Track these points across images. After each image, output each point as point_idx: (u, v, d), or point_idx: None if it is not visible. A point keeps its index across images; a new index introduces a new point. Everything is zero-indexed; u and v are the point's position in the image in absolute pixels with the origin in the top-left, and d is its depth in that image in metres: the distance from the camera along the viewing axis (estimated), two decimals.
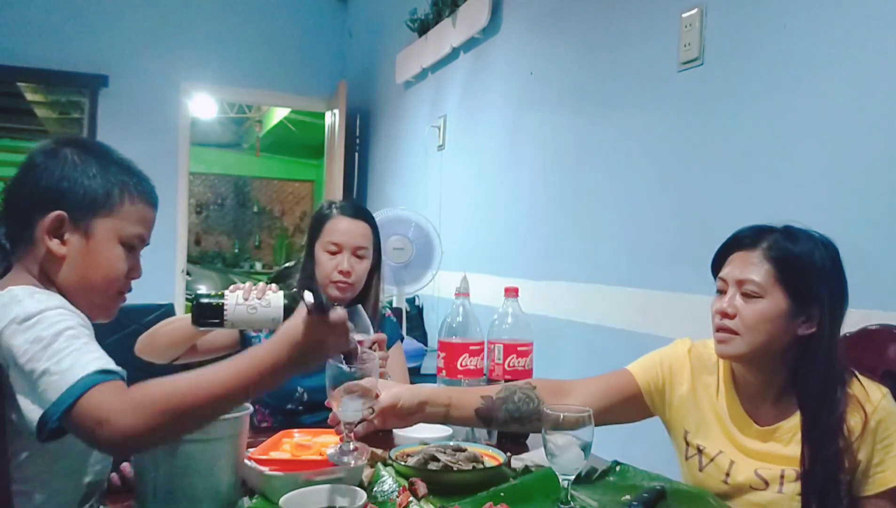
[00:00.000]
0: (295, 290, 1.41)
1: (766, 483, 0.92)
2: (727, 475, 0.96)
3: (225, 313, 0.94)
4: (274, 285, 1.02)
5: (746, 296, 0.92)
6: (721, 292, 0.96)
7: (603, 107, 1.92)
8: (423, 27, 3.07)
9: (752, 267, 0.91)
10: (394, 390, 0.95)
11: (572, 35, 2.08)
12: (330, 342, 0.74)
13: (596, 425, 0.87)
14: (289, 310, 0.95)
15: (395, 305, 2.69)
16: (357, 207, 1.49)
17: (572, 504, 0.90)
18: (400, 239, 2.46)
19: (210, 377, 0.69)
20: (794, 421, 0.93)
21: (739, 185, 1.45)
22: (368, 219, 1.45)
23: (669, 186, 1.65)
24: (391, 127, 3.69)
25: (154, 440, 0.68)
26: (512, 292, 1.29)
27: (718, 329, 0.94)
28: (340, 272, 1.37)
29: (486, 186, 2.57)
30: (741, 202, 1.43)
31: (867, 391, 0.91)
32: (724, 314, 0.93)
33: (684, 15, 1.58)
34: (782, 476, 0.91)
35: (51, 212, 0.80)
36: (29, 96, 4.22)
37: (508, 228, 2.39)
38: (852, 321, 1.08)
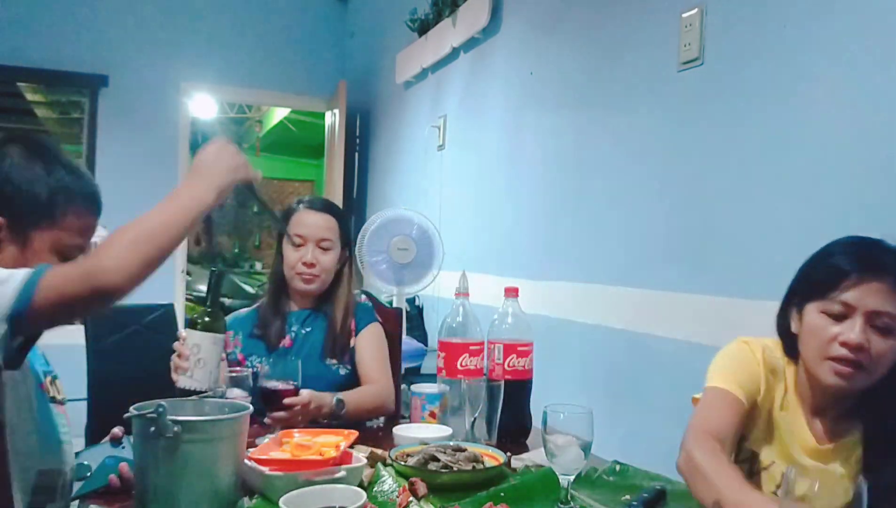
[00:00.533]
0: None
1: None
2: (775, 484, 0.92)
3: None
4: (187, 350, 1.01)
5: (878, 329, 0.85)
6: (835, 316, 0.87)
7: (603, 107, 1.92)
8: (423, 27, 3.07)
9: (887, 298, 0.84)
10: None
11: (572, 35, 2.08)
12: (224, 154, 0.77)
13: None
14: (203, 324, 0.99)
15: (395, 305, 2.69)
16: (324, 201, 1.52)
17: (572, 504, 0.90)
18: (403, 239, 2.46)
19: (165, 207, 0.73)
20: (852, 439, 0.90)
21: (739, 184, 1.44)
22: (335, 213, 1.48)
23: (669, 186, 1.65)
24: (391, 127, 3.69)
25: (142, 268, 0.68)
26: (512, 292, 1.29)
27: (842, 360, 0.86)
28: (304, 264, 1.40)
29: (486, 186, 2.57)
30: (741, 202, 1.43)
31: None
32: (860, 348, 0.85)
33: (684, 15, 1.58)
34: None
35: None
36: (29, 96, 4.22)
37: (508, 228, 2.39)
38: None
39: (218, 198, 0.75)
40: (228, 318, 1.46)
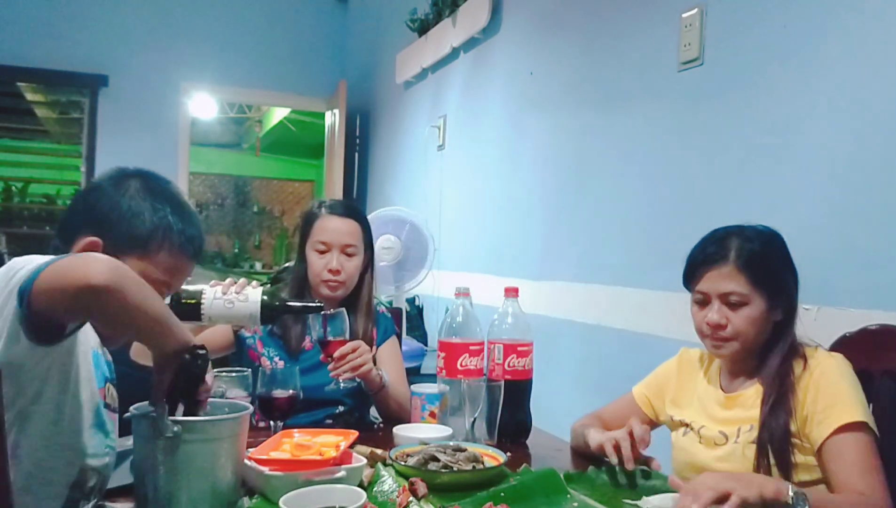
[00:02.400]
0: (275, 286, 1.39)
1: (726, 438, 1.03)
2: (700, 436, 1.07)
3: (202, 306, 0.94)
4: (255, 282, 1.02)
5: (732, 305, 1.02)
6: (701, 303, 1.05)
7: (603, 107, 1.92)
8: (423, 27, 3.07)
9: (730, 279, 1.01)
10: None
11: (572, 35, 2.08)
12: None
13: None
14: (266, 307, 0.96)
15: (394, 305, 2.69)
16: (347, 205, 1.49)
17: (574, 504, 0.90)
18: (387, 238, 2.46)
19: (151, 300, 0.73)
20: (755, 388, 1.04)
21: (739, 184, 1.45)
22: (358, 217, 1.45)
23: (669, 186, 1.65)
24: (391, 127, 3.69)
25: (121, 295, 0.69)
26: (512, 292, 1.29)
27: (713, 338, 1.04)
28: (330, 271, 1.38)
29: (486, 186, 2.57)
30: (741, 202, 1.43)
31: (817, 352, 1.01)
32: (719, 326, 1.02)
33: (684, 15, 1.58)
34: (738, 431, 1.02)
35: (91, 235, 0.83)
36: (29, 96, 4.22)
37: (508, 228, 2.39)
38: (851, 322, 1.09)
39: (172, 353, 0.74)
40: None
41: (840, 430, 0.93)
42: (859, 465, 0.91)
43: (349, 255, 1.40)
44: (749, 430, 1.01)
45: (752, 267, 1.00)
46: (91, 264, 0.69)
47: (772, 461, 0.97)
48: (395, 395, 1.37)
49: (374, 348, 1.44)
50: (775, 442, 0.97)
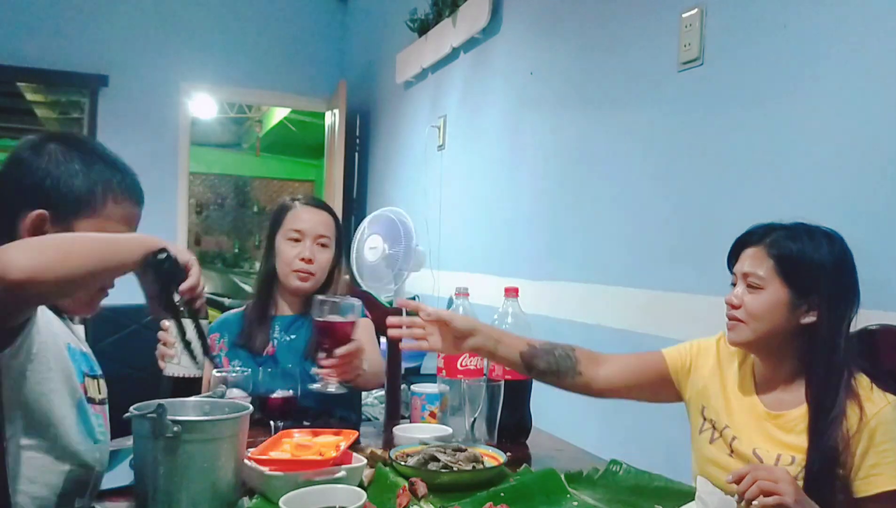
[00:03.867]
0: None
1: (761, 462, 0.97)
2: (731, 448, 1.01)
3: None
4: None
5: (751, 288, 0.99)
6: (734, 285, 1.02)
7: (603, 107, 1.92)
8: (423, 27, 3.07)
9: (756, 261, 0.99)
10: (449, 312, 1.08)
11: (572, 35, 2.08)
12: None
13: (623, 398, 1.05)
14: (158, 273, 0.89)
15: (394, 305, 2.69)
16: (320, 200, 1.50)
17: (574, 503, 0.90)
18: (374, 238, 2.47)
19: (93, 236, 0.74)
20: (800, 412, 0.97)
21: (739, 184, 1.45)
22: (331, 211, 1.46)
23: (669, 186, 1.65)
24: (391, 127, 3.69)
25: (49, 276, 0.67)
26: (512, 292, 1.29)
27: (728, 318, 1.01)
28: (302, 260, 1.36)
29: (487, 186, 2.57)
30: (741, 202, 1.43)
31: (872, 393, 0.94)
32: (731, 305, 1.00)
33: (684, 15, 1.58)
34: (778, 459, 0.96)
35: (33, 210, 0.79)
36: (29, 96, 4.22)
37: (508, 227, 2.39)
38: (852, 322, 1.09)
39: (140, 258, 0.75)
40: (216, 320, 1.43)
41: (883, 496, 0.89)
42: None
43: (322, 246, 1.39)
44: (791, 464, 0.93)
45: (781, 258, 0.96)
46: (2, 261, 0.64)
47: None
48: (372, 372, 1.33)
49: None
50: (822, 488, 0.89)
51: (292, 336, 1.40)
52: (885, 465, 0.90)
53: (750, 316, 0.98)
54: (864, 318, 1.08)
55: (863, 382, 0.95)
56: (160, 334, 1.08)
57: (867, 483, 0.90)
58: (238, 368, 1.25)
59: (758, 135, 1.41)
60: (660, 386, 1.11)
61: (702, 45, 1.53)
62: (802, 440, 0.94)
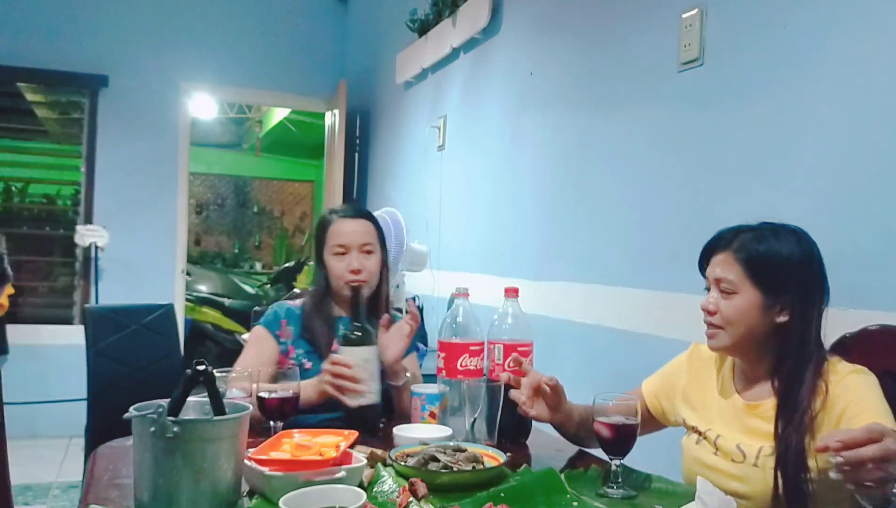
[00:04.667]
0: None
1: (745, 456, 0.99)
2: (716, 447, 1.03)
3: None
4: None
5: (724, 293, 1.01)
6: (707, 289, 1.05)
7: (603, 107, 1.92)
8: (423, 27, 3.07)
9: (726, 267, 1.01)
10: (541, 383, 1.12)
11: (572, 35, 2.08)
12: None
13: None
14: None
15: (394, 305, 2.69)
16: (357, 207, 1.52)
17: (574, 503, 0.90)
18: None
19: None
20: (770, 402, 1.00)
21: (740, 185, 1.45)
22: (369, 217, 1.49)
23: (669, 186, 1.65)
24: (391, 127, 3.69)
25: None
26: (512, 293, 1.29)
27: (706, 325, 1.04)
28: (352, 272, 1.39)
29: (486, 187, 2.57)
30: (741, 202, 1.43)
31: (838, 367, 0.97)
32: (707, 311, 1.03)
33: (684, 15, 1.58)
34: (759, 451, 0.98)
35: None
36: (29, 97, 4.22)
37: (508, 228, 2.39)
38: (851, 322, 1.09)
39: None
40: (280, 307, 1.44)
41: None
42: None
43: (367, 253, 1.42)
44: (771, 454, 0.96)
45: (749, 260, 0.99)
46: None
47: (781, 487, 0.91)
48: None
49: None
50: (790, 464, 0.91)
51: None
52: (867, 412, 0.89)
53: (726, 322, 1.00)
54: (864, 318, 1.09)
55: (834, 366, 0.97)
56: (335, 367, 1.19)
57: (853, 422, 0.89)
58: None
59: (758, 135, 1.41)
60: (645, 421, 1.11)
61: (702, 45, 1.53)
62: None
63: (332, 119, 4.13)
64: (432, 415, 1.25)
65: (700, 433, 1.06)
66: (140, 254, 3.91)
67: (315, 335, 1.41)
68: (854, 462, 0.70)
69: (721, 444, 1.02)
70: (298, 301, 1.49)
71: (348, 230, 1.42)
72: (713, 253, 1.04)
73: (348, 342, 1.23)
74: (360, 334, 1.21)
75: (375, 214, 2.23)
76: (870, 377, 0.95)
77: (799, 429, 0.93)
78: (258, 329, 1.43)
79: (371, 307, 1.43)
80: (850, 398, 0.92)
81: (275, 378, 1.21)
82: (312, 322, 1.42)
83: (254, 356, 1.38)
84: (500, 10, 2.50)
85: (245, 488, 0.89)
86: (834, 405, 0.93)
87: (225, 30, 4.19)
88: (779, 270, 0.98)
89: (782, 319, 0.99)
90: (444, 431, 1.16)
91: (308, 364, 1.39)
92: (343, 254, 1.41)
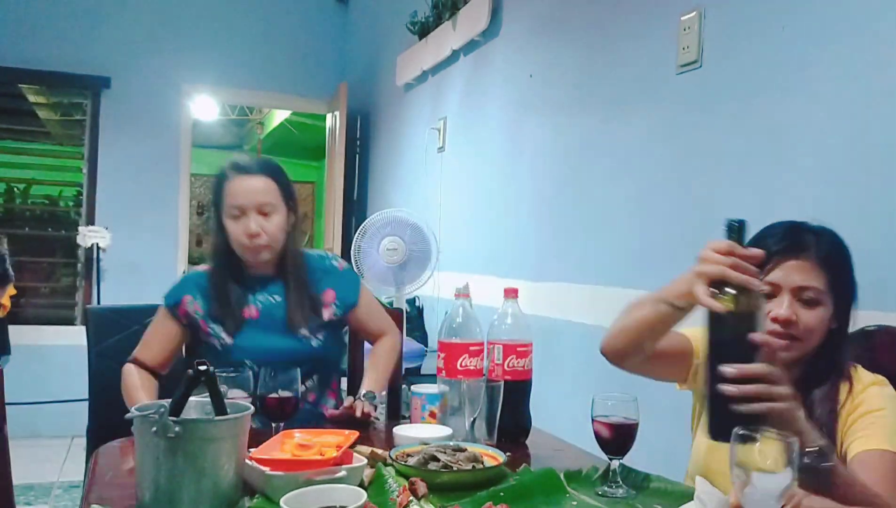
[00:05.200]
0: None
1: None
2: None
3: None
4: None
5: (804, 302, 0.93)
6: (766, 295, 0.94)
7: (602, 109, 1.92)
8: (423, 30, 3.08)
9: (810, 274, 0.93)
10: None
11: (572, 38, 2.08)
12: None
13: (633, 372, 0.96)
14: None
15: (395, 305, 2.70)
16: (257, 161, 1.37)
17: (573, 503, 0.91)
18: (393, 240, 2.47)
19: None
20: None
21: (738, 186, 1.45)
22: (271, 172, 1.34)
23: (668, 187, 1.65)
24: (391, 129, 3.69)
25: None
26: (512, 293, 1.29)
27: (778, 335, 0.93)
28: (248, 236, 1.29)
29: (486, 188, 2.57)
30: (740, 204, 1.43)
31: (860, 373, 0.95)
32: (788, 322, 0.93)
33: (683, 18, 1.59)
34: None
35: None
36: (31, 98, 4.23)
37: (508, 229, 2.39)
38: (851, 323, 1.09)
39: None
40: (186, 280, 1.38)
41: (859, 456, 0.86)
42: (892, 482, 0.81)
43: (266, 214, 1.30)
44: None
45: (831, 265, 0.93)
46: None
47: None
48: (388, 370, 1.41)
49: (326, 308, 1.36)
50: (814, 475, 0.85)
51: (276, 298, 1.35)
52: (871, 429, 0.88)
53: (808, 333, 0.92)
54: (863, 319, 1.09)
55: (857, 371, 0.95)
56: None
57: (860, 441, 0.89)
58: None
59: (756, 136, 1.41)
60: (677, 363, 1.05)
61: (700, 47, 1.54)
62: None
63: (333, 121, 4.14)
64: (432, 415, 1.26)
65: None
66: (142, 255, 3.92)
67: (223, 306, 1.32)
68: None
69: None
70: (203, 268, 1.40)
71: (244, 189, 1.29)
72: (784, 257, 0.93)
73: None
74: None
75: (396, 213, 2.14)
76: (889, 389, 0.93)
77: (826, 426, 0.90)
78: (160, 309, 1.37)
79: (280, 272, 1.34)
80: (868, 408, 0.90)
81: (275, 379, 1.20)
82: (219, 292, 1.33)
83: (151, 335, 1.35)
84: (499, 12, 2.51)
85: (246, 488, 0.90)
86: (852, 411, 0.91)
87: (226, 32, 4.21)
88: (847, 275, 0.94)
89: (834, 325, 0.95)
90: (444, 431, 1.17)
91: (229, 340, 1.32)
92: (239, 216, 1.29)
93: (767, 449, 0.68)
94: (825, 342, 0.95)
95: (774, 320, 0.93)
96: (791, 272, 0.93)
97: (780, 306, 0.92)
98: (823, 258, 0.93)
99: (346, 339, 1.59)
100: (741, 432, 0.70)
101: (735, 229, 0.81)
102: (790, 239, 0.95)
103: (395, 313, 1.63)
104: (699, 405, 1.07)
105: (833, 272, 0.93)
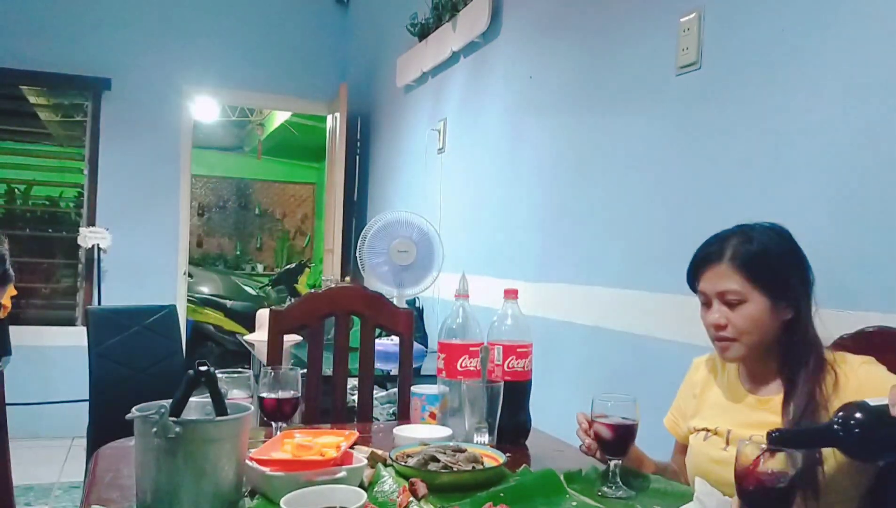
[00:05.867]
0: None
1: None
2: (727, 441, 1.03)
3: None
4: None
5: (730, 304, 1.00)
6: (705, 304, 1.04)
7: (602, 110, 1.93)
8: (423, 31, 3.09)
9: (726, 278, 1.00)
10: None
11: (571, 39, 2.09)
12: None
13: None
14: None
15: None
16: None
17: (573, 503, 0.91)
18: (403, 241, 2.48)
19: None
20: (779, 395, 1.00)
21: (737, 188, 1.45)
22: None
23: (668, 189, 1.65)
24: (392, 130, 3.70)
25: None
26: (511, 294, 1.29)
27: (717, 339, 1.02)
28: None
29: (486, 189, 2.58)
30: (739, 205, 1.44)
31: (847, 358, 0.98)
32: (718, 327, 1.01)
33: (682, 19, 1.59)
34: None
35: None
36: (32, 99, 4.24)
37: (508, 230, 2.40)
38: (849, 324, 1.09)
39: None
40: None
41: None
42: None
43: None
44: None
45: (748, 265, 0.98)
46: None
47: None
48: None
49: None
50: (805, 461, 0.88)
51: None
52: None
53: (740, 332, 0.99)
54: (862, 320, 1.09)
55: (842, 357, 0.98)
56: None
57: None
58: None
59: (755, 138, 1.42)
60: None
61: (699, 49, 1.54)
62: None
63: (333, 122, 4.15)
64: (432, 415, 1.26)
65: (709, 430, 1.06)
66: (142, 256, 3.93)
67: None
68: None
69: (733, 438, 1.01)
70: None
71: None
72: (705, 268, 1.02)
73: None
74: None
75: (404, 215, 2.09)
76: (882, 367, 0.95)
77: (808, 415, 0.93)
78: None
79: None
80: (872, 386, 0.89)
81: (275, 379, 1.21)
82: None
83: None
84: (499, 14, 2.51)
85: (246, 488, 0.90)
86: (852, 394, 0.91)
87: (227, 33, 4.21)
88: (777, 267, 0.99)
89: (788, 316, 0.99)
90: (444, 431, 1.17)
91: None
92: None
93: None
94: (785, 332, 1.00)
95: (711, 326, 1.02)
96: (712, 280, 1.01)
97: (712, 313, 1.01)
98: (735, 260, 0.99)
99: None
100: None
101: None
102: (703, 250, 1.04)
103: (405, 313, 1.62)
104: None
105: (750, 270, 0.98)
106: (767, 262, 0.99)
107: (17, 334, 3.52)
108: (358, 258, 2.56)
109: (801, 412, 0.94)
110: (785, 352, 1.00)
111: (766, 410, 1.01)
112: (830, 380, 0.95)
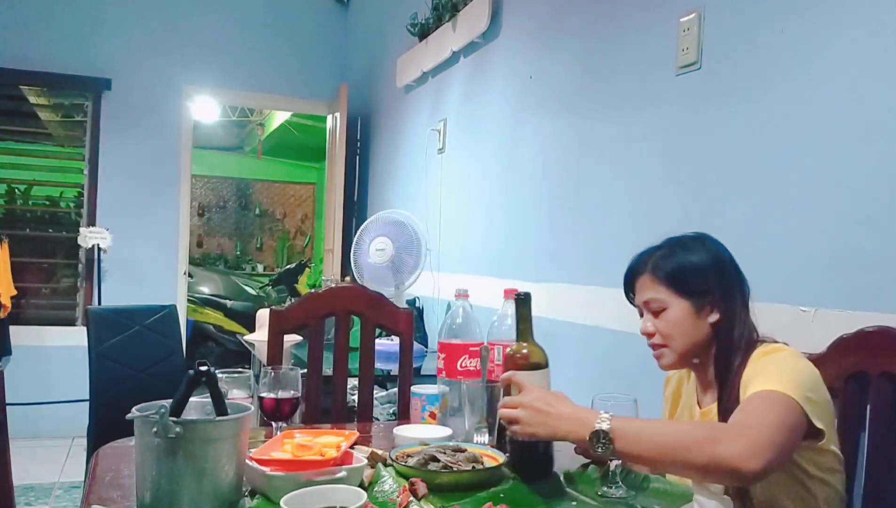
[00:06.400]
0: None
1: None
2: None
3: None
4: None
5: (655, 313, 1.06)
6: (640, 315, 1.10)
7: (602, 110, 1.93)
8: (423, 31, 3.09)
9: (650, 288, 1.07)
10: None
11: (571, 39, 2.09)
12: None
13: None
14: None
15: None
16: None
17: (573, 503, 0.91)
18: (381, 240, 2.50)
19: None
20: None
21: (737, 188, 1.45)
22: None
23: (667, 189, 1.65)
24: (392, 130, 3.70)
25: None
26: (511, 294, 1.29)
27: (651, 348, 1.08)
28: None
29: (486, 189, 2.58)
30: (739, 205, 1.44)
31: (760, 349, 0.99)
32: (647, 334, 1.07)
33: (682, 19, 1.59)
34: None
35: None
36: (32, 99, 4.24)
37: (508, 230, 2.40)
38: (848, 324, 1.09)
39: None
40: None
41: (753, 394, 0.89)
42: (746, 408, 0.87)
43: None
44: None
45: (667, 273, 1.04)
46: None
47: None
48: None
49: None
50: None
51: None
52: (756, 378, 0.91)
53: (666, 337, 1.04)
54: (861, 320, 1.09)
55: (760, 348, 0.99)
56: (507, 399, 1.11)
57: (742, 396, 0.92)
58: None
59: (755, 138, 1.42)
60: None
61: (699, 49, 1.54)
62: None
63: (334, 122, 4.15)
64: (432, 415, 1.26)
65: None
66: (142, 256, 3.93)
67: None
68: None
69: None
70: None
71: None
72: (634, 281, 1.09)
73: (519, 365, 1.03)
74: (528, 355, 1.02)
75: (387, 213, 2.14)
76: (779, 354, 0.96)
77: (730, 413, 0.93)
78: None
79: None
80: (751, 373, 0.94)
81: (275, 379, 1.22)
82: None
83: None
84: (499, 14, 2.51)
85: (247, 488, 0.90)
86: (744, 384, 0.94)
87: (227, 34, 4.21)
88: (695, 274, 1.04)
89: (714, 318, 1.03)
90: (444, 431, 1.17)
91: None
92: None
93: None
94: (716, 335, 1.03)
95: (642, 335, 1.07)
96: (639, 291, 1.09)
97: (643, 322, 1.07)
98: (656, 270, 1.06)
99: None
100: None
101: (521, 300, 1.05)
102: (630, 264, 1.11)
103: (405, 313, 1.62)
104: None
105: (668, 279, 1.04)
106: (684, 268, 1.04)
107: (17, 334, 3.52)
108: (352, 258, 2.57)
109: (725, 409, 0.95)
110: (717, 357, 1.04)
111: (710, 419, 1.03)
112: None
